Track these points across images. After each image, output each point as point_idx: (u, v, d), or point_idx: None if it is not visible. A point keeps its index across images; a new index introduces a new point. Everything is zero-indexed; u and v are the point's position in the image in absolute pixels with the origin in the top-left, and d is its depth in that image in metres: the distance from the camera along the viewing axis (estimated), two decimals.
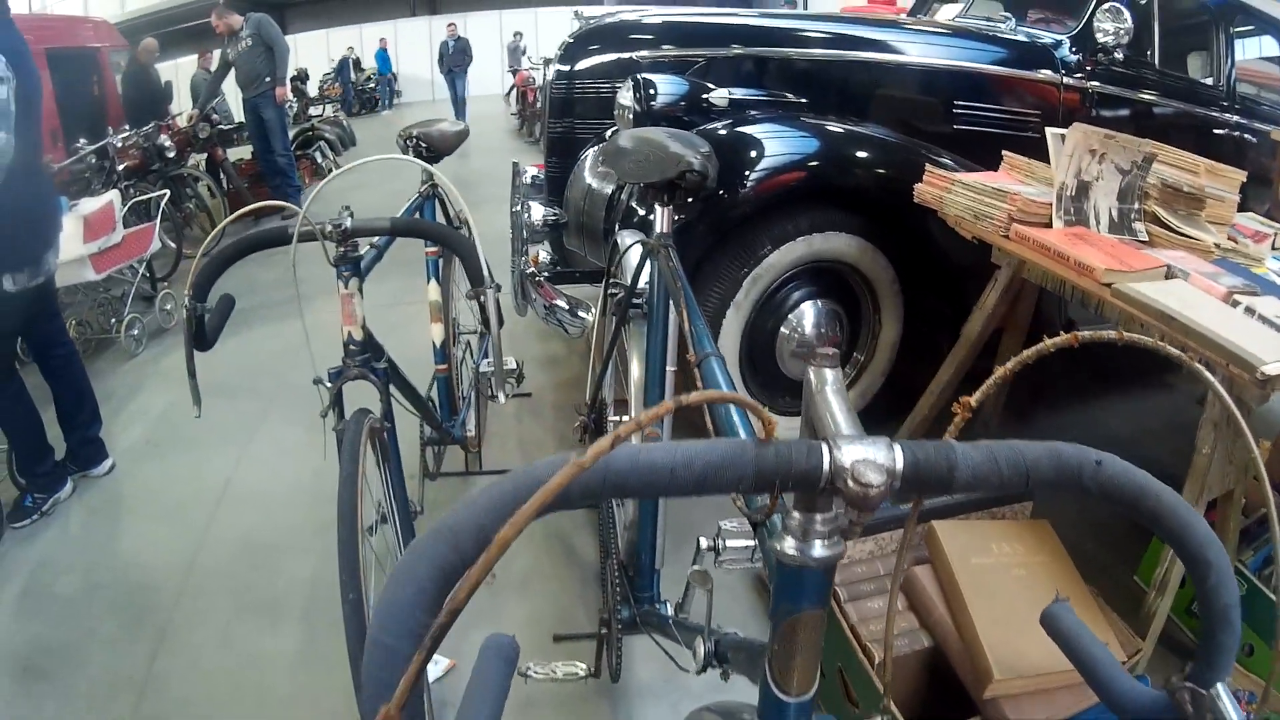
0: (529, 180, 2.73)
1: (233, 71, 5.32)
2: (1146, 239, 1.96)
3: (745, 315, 2.20)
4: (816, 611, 0.55)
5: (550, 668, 1.44)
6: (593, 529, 2.16)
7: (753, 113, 2.28)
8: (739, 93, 2.33)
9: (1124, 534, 2.08)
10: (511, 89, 11.47)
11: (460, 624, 1.38)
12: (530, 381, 2.85)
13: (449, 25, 13.18)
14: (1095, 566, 1.82)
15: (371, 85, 14.97)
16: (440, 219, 2.06)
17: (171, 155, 4.25)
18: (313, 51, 14.87)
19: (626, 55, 2.55)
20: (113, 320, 3.33)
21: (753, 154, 2.08)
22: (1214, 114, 2.94)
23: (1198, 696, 0.50)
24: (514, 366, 2.06)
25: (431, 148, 1.97)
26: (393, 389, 1.45)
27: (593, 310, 1.78)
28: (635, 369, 1.37)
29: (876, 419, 2.41)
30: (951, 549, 1.56)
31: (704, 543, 1.00)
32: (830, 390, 0.52)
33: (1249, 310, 1.64)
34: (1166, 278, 1.77)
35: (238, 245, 1.24)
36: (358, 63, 15.04)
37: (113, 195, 3.24)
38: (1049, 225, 1.90)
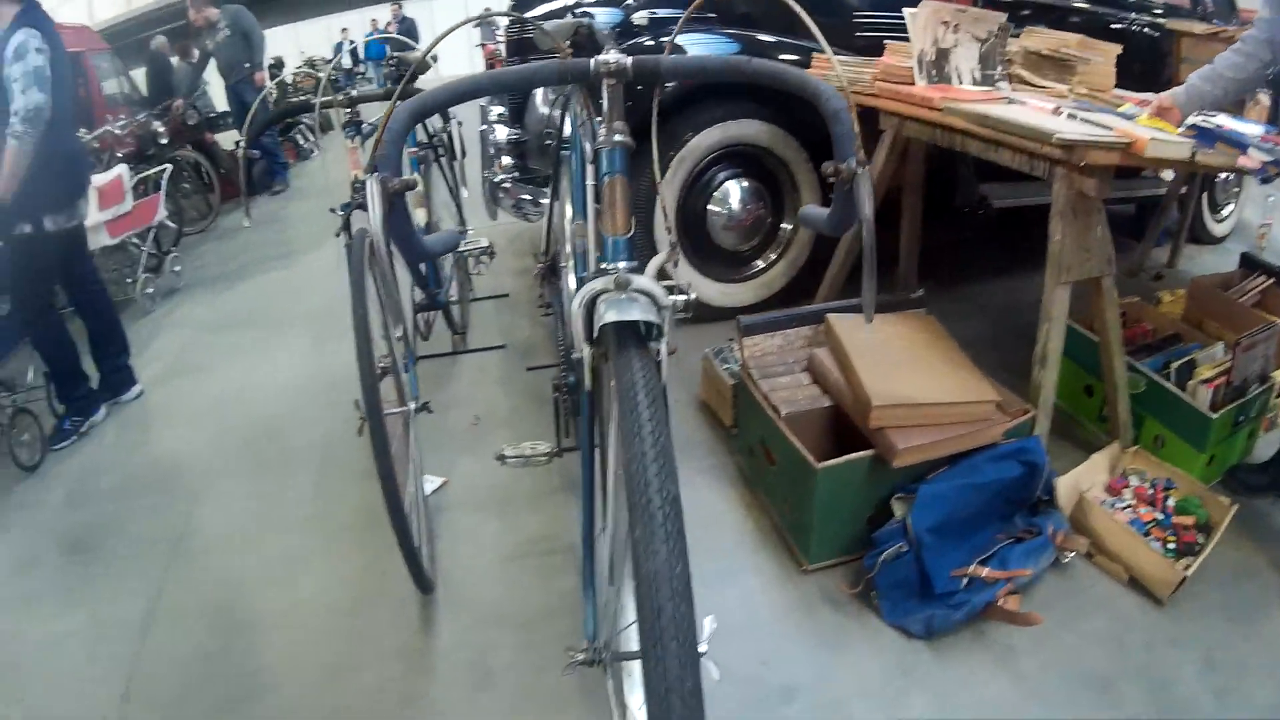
0: (494, 116, 3.13)
1: (213, 61, 5.65)
2: (1010, 93, 2.26)
3: (676, 192, 2.57)
4: (622, 175, 0.92)
5: (520, 448, 1.67)
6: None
7: (671, 27, 2.64)
8: (661, 12, 2.71)
9: (1012, 343, 2.39)
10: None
11: (452, 450, 2.03)
12: (506, 286, 3.42)
13: (394, 7, 12.89)
14: (991, 364, 2.03)
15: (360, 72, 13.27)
16: (419, 132, 2.43)
17: (165, 141, 4.61)
18: (282, 45, 14.73)
19: None
20: (129, 281, 3.70)
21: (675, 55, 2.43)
22: (1117, 13, 3.31)
23: (838, 169, 0.82)
24: (487, 244, 2.45)
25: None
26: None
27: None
28: (565, 202, 1.70)
29: (809, 279, 2.76)
30: (842, 330, 1.90)
31: None
32: None
33: (1071, 116, 1.84)
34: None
35: (278, 111, 1.91)
36: (354, 51, 13.68)
37: (121, 169, 3.59)
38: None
